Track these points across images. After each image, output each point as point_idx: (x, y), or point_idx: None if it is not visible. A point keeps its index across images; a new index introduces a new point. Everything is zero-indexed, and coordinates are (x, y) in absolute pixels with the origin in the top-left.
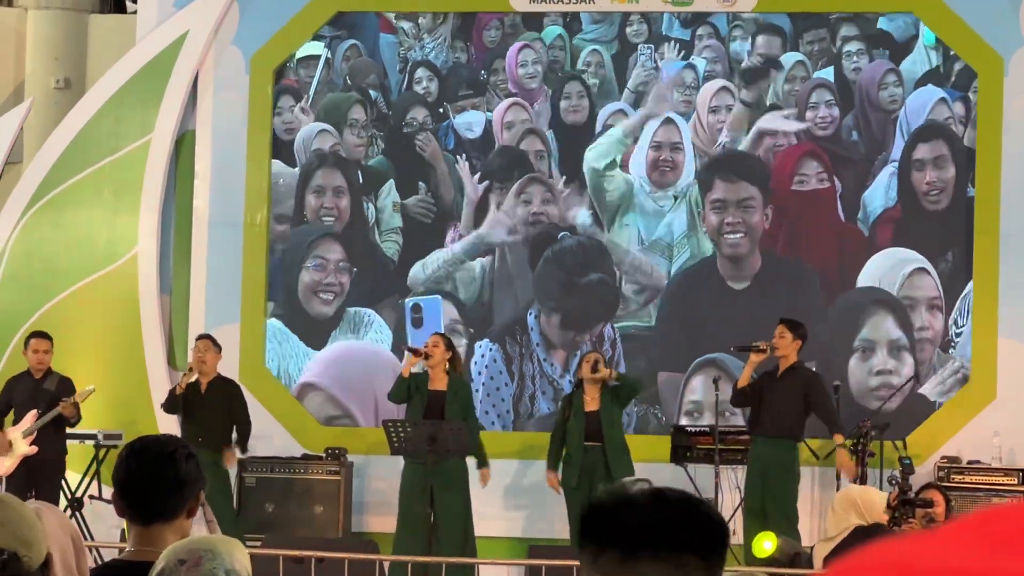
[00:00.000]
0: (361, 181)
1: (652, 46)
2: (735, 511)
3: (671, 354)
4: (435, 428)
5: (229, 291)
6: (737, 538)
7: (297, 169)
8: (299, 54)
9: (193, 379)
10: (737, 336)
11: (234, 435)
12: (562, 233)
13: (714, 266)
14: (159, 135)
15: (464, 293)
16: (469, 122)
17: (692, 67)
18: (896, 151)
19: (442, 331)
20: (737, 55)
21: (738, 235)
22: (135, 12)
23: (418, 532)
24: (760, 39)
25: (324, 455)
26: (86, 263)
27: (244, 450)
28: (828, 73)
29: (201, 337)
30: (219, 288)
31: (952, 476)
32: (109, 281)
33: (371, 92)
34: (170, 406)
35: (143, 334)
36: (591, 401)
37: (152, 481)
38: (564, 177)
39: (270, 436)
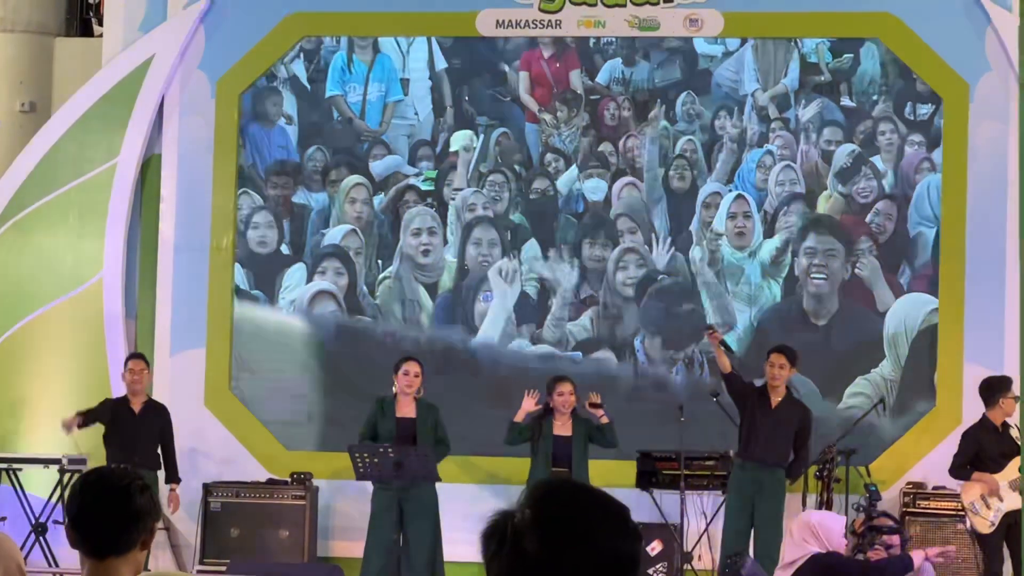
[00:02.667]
0: (509, 239)
1: (736, 128)
2: (700, 537)
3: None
4: (401, 454)
5: (194, 316)
6: (704, 564)
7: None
8: (456, 144)
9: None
10: (812, 364)
11: (161, 471)
12: (661, 275)
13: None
14: (125, 159)
15: None
16: (593, 188)
17: (770, 152)
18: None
19: (415, 357)
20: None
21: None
22: (101, 36)
23: (386, 557)
24: (826, 131)
25: (289, 480)
26: (51, 287)
27: (178, 480)
28: (876, 160)
29: (135, 356)
30: (184, 313)
31: (918, 502)
32: (74, 305)
33: (516, 167)
34: (87, 421)
35: (108, 358)
36: (561, 426)
37: (106, 516)
38: (670, 238)
39: (235, 461)
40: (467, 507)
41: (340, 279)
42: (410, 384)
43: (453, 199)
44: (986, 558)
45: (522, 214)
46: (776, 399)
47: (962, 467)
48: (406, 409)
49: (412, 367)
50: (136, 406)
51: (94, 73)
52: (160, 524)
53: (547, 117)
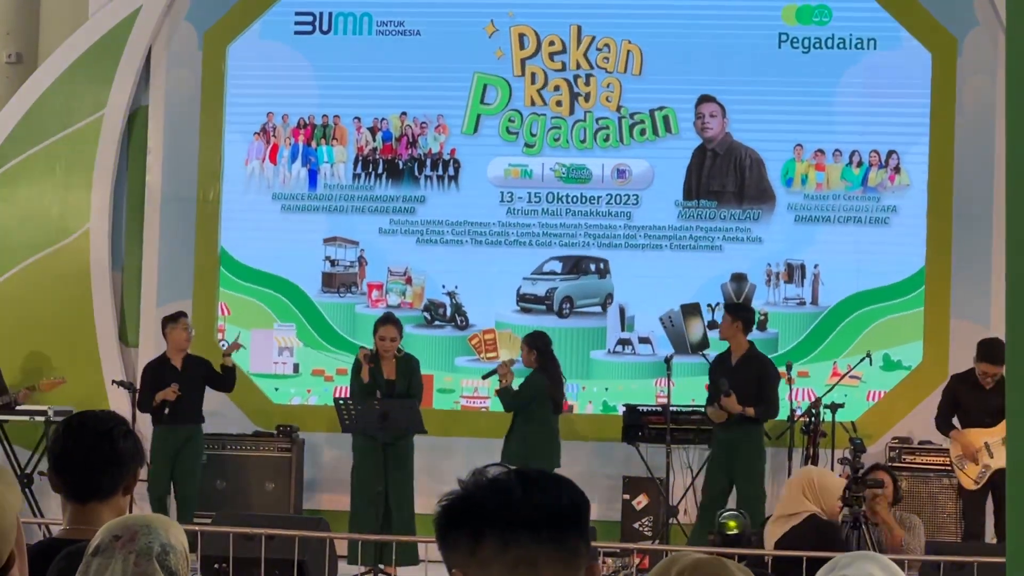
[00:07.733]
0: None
1: None
2: (686, 491)
3: None
4: (386, 406)
5: (181, 267)
6: (689, 517)
7: None
8: None
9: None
10: None
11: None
12: None
13: None
14: (112, 110)
15: None
16: None
17: None
18: None
19: (393, 317)
20: None
21: None
22: None
23: (375, 508)
24: None
25: (275, 432)
26: (37, 238)
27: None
28: None
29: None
30: (171, 264)
31: (903, 456)
32: (60, 257)
33: None
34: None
35: (94, 310)
36: None
37: (88, 459)
38: None
39: (222, 413)
40: (444, 460)
41: None
42: (387, 349)
43: None
44: (967, 516)
45: None
46: (735, 355)
47: (940, 420)
48: (388, 370)
49: (388, 331)
50: (177, 363)
51: (81, 24)
52: (143, 476)
53: None
